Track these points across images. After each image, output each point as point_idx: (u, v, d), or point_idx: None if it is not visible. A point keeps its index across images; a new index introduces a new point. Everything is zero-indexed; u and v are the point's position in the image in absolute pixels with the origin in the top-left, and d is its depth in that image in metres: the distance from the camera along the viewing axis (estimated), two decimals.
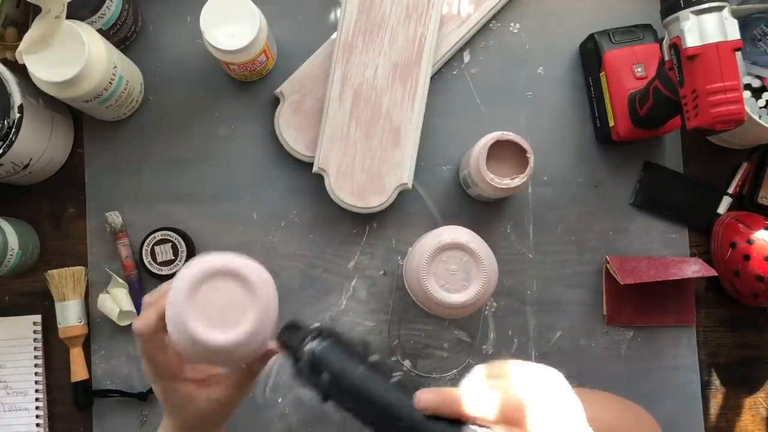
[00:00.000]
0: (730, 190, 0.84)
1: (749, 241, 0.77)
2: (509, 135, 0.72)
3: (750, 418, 0.83)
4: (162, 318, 0.50)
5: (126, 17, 0.78)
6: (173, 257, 0.79)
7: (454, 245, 0.69)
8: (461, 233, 0.70)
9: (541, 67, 0.84)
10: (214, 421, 0.56)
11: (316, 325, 0.51)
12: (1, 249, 0.73)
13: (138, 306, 0.79)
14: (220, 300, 0.49)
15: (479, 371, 0.46)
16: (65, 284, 0.78)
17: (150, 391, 0.78)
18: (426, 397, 0.44)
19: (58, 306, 0.78)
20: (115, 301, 0.79)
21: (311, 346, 0.49)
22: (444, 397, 0.44)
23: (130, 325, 0.79)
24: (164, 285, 0.53)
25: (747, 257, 0.77)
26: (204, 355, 0.50)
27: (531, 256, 0.82)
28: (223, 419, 0.58)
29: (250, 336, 0.49)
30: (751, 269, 0.77)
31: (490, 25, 0.84)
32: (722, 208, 0.83)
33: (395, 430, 0.45)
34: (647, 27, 0.80)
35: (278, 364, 0.80)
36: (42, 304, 0.81)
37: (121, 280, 0.79)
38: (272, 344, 0.52)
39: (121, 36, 0.79)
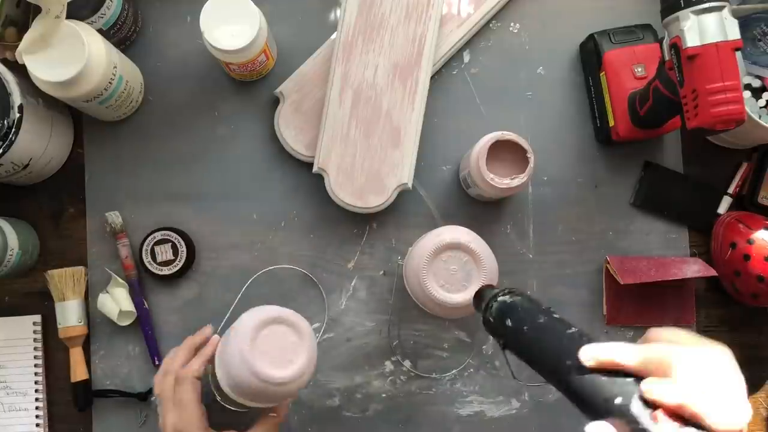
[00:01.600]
0: (730, 190, 0.84)
1: (749, 241, 0.77)
2: (509, 135, 0.72)
3: (750, 418, 0.82)
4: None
5: (126, 17, 0.78)
6: (173, 257, 0.79)
7: (454, 245, 0.69)
8: (461, 233, 0.70)
9: (541, 67, 0.84)
10: None
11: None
12: (1, 249, 0.73)
13: (138, 306, 0.79)
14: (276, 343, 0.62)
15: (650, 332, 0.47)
16: (65, 284, 0.78)
17: (150, 391, 0.78)
18: (587, 356, 0.44)
19: (58, 306, 0.78)
20: (115, 301, 0.79)
21: (503, 298, 0.55)
22: (602, 350, 0.44)
23: (131, 325, 0.79)
24: (207, 330, 0.73)
25: (747, 257, 0.77)
26: (263, 389, 0.60)
27: (531, 256, 0.82)
28: None
29: (301, 372, 0.62)
30: (751, 269, 0.77)
31: (490, 25, 0.84)
32: (722, 208, 0.83)
33: (565, 379, 0.45)
34: (647, 27, 0.80)
35: None
36: (42, 304, 0.80)
37: (121, 280, 0.79)
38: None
39: (121, 36, 0.79)
